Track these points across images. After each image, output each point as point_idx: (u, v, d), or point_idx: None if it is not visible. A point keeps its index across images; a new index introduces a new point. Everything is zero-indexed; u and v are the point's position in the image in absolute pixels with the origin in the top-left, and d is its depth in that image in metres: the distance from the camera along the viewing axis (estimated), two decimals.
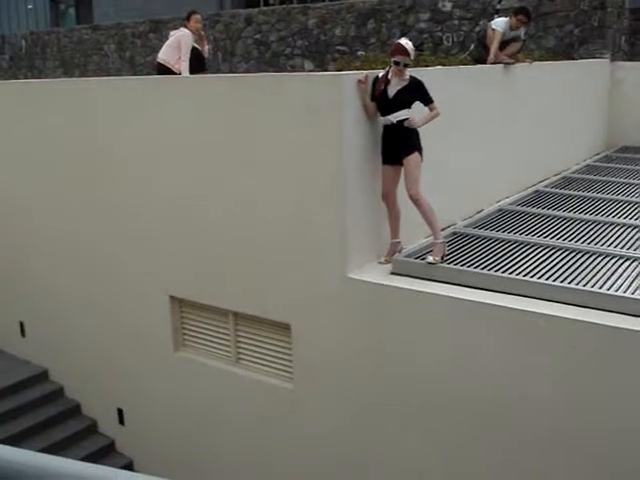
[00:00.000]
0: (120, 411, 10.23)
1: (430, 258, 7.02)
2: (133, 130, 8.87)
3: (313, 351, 7.67)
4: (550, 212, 9.16)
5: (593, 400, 5.98)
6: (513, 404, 6.36)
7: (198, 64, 10.43)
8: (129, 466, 10.10)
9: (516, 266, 7.02)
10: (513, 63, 10.16)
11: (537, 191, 10.46)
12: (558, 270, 6.89)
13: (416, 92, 7.07)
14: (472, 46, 11.91)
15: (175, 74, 10.00)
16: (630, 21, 14.85)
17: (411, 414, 7.07)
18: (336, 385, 7.57)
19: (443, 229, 7.73)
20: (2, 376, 10.90)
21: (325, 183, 7.11)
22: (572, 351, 5.98)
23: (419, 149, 7.04)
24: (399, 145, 7.04)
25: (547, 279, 6.61)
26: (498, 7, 14.02)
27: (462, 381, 6.63)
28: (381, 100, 7.08)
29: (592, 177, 11.47)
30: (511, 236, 8.05)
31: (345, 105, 6.91)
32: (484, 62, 10.18)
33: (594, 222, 8.72)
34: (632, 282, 6.56)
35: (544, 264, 7.09)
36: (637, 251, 7.53)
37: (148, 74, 17.53)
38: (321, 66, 16.75)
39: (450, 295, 6.56)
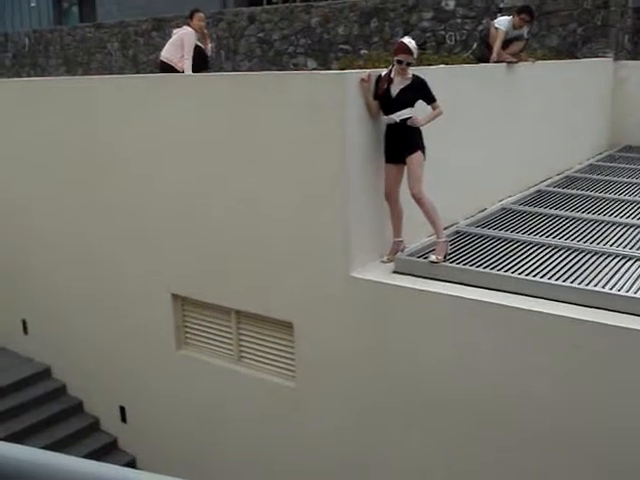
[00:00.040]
0: (122, 409, 10.24)
1: (433, 257, 7.01)
2: (136, 128, 8.88)
3: (315, 350, 7.67)
4: (553, 211, 9.15)
5: (594, 399, 5.98)
6: (515, 403, 6.36)
7: (201, 62, 10.42)
8: (131, 464, 10.10)
9: (519, 265, 7.01)
10: (516, 62, 10.15)
11: (540, 190, 10.44)
12: (561, 269, 6.89)
13: (419, 91, 7.06)
14: (475, 45, 11.89)
15: (178, 72, 9.99)
16: (633, 20, 14.82)
17: (413, 413, 7.08)
18: (338, 384, 7.57)
19: (446, 228, 7.73)
20: (5, 374, 10.92)
21: (328, 182, 7.11)
22: (574, 350, 5.98)
23: (422, 148, 7.04)
24: (402, 144, 7.04)
25: (550, 278, 6.61)
26: (501, 6, 14.01)
27: (464, 380, 6.63)
28: (384, 99, 7.07)
29: (595, 176, 11.45)
30: (514, 235, 8.04)
31: (348, 104, 6.91)
32: (487, 61, 10.18)
33: (597, 221, 8.71)
34: (635, 281, 6.55)
35: (547, 263, 7.08)
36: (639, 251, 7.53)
37: (151, 72, 17.51)
38: (324, 65, 16.74)
39: (452, 294, 6.56)
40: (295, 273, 7.63)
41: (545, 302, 6.26)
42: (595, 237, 8.07)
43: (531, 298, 6.36)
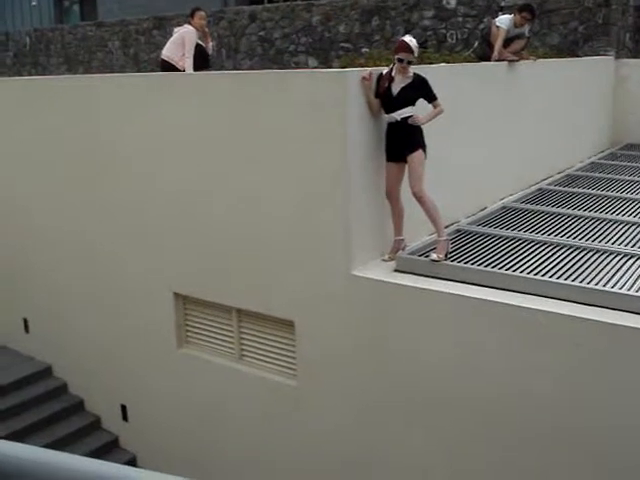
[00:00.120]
0: (124, 407, 10.25)
1: (434, 255, 7.01)
2: (137, 127, 8.88)
3: (317, 348, 7.67)
4: (554, 210, 9.15)
5: (595, 397, 5.98)
6: (516, 401, 6.36)
7: (202, 61, 10.42)
8: (132, 462, 10.11)
9: (520, 264, 7.01)
10: (517, 60, 10.14)
11: (541, 189, 10.44)
12: (562, 268, 6.89)
13: (420, 89, 7.06)
14: (476, 43, 11.89)
15: (179, 71, 9.99)
16: (635, 18, 14.80)
17: (415, 411, 7.08)
18: (340, 382, 7.57)
19: (447, 226, 7.72)
20: (6, 372, 10.93)
21: (329, 180, 7.11)
22: (575, 349, 5.98)
23: (423, 146, 7.04)
24: (403, 142, 7.04)
25: (551, 277, 6.61)
26: (502, 4, 14.00)
27: (466, 378, 6.63)
28: (385, 97, 7.07)
29: (596, 175, 11.44)
30: (515, 234, 8.04)
31: (349, 102, 6.91)
32: (488, 59, 10.17)
33: (598, 220, 8.71)
34: (636, 280, 6.55)
35: (548, 262, 7.08)
36: None
37: (152, 71, 17.52)
38: (325, 63, 16.73)
39: (454, 292, 6.56)
40: (296, 271, 7.63)
41: (546, 300, 6.26)
42: (596, 235, 8.07)
43: (532, 296, 6.36)
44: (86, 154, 9.59)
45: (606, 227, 8.41)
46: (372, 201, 7.29)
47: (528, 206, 9.35)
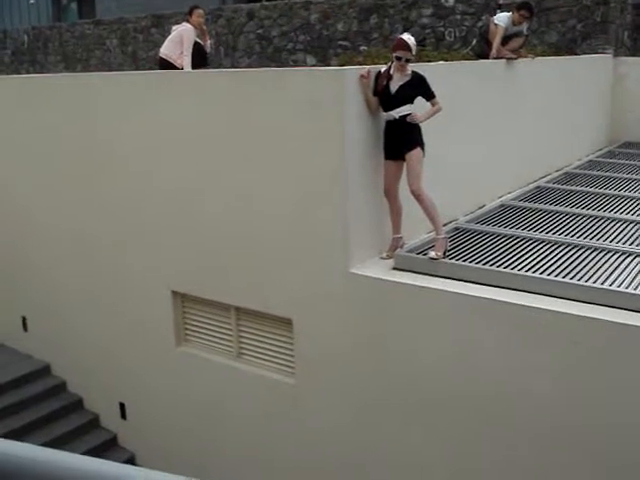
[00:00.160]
0: (122, 405, 10.25)
1: (432, 253, 7.01)
2: (135, 125, 8.87)
3: (315, 346, 7.68)
4: (552, 208, 9.15)
5: (594, 396, 5.98)
6: (515, 400, 6.37)
7: (200, 59, 10.41)
8: (131, 460, 10.12)
9: (518, 262, 7.01)
10: (515, 58, 10.14)
11: (539, 186, 10.44)
12: (560, 266, 6.89)
13: (418, 87, 7.06)
14: (474, 41, 11.89)
15: (177, 69, 9.99)
16: (633, 16, 14.80)
17: (413, 409, 7.08)
18: (338, 380, 7.58)
19: (445, 224, 7.72)
20: (4, 371, 10.93)
21: (327, 178, 7.11)
22: (574, 347, 5.98)
23: (421, 144, 7.04)
24: (401, 140, 7.04)
25: (549, 275, 6.61)
26: (501, 2, 13.99)
27: (464, 377, 6.64)
28: (383, 95, 7.07)
29: (594, 173, 11.45)
30: (513, 231, 8.05)
31: (347, 100, 6.90)
32: (486, 57, 10.17)
33: (596, 218, 8.71)
34: (634, 278, 6.55)
35: (546, 260, 7.08)
36: (639, 247, 7.53)
37: (150, 69, 17.51)
38: (323, 61, 16.72)
39: (452, 290, 6.57)
40: (294, 270, 7.63)
41: (544, 298, 6.26)
42: (595, 233, 8.07)
43: (530, 294, 6.36)
44: (84, 152, 9.59)
45: (604, 225, 8.42)
46: (370, 199, 7.29)
47: (526, 204, 9.35)
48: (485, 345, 6.45)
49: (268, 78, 7.71)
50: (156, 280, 9.11)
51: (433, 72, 7.48)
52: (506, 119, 9.95)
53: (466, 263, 6.94)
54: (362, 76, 7.00)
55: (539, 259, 7.10)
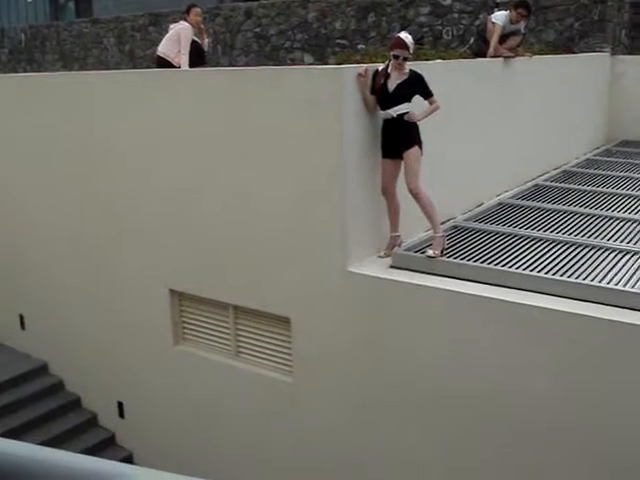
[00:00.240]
0: (120, 404, 10.25)
1: (430, 252, 7.02)
2: (132, 123, 8.86)
3: (313, 345, 7.68)
4: (550, 206, 9.16)
5: (592, 395, 5.98)
6: (511, 398, 6.37)
7: (198, 57, 10.41)
8: (129, 459, 10.12)
9: (516, 260, 7.02)
10: (513, 57, 10.14)
11: (537, 185, 10.45)
12: (558, 264, 6.90)
13: (416, 86, 7.06)
14: (472, 40, 11.89)
15: (175, 67, 9.98)
16: (630, 15, 14.80)
17: (410, 408, 7.08)
18: (336, 379, 7.58)
19: (443, 223, 7.73)
20: (2, 369, 10.91)
21: (325, 177, 7.11)
22: (571, 345, 5.98)
23: (419, 143, 7.04)
24: (399, 139, 7.04)
25: (547, 273, 6.62)
26: (498, 0, 14.00)
27: (462, 375, 6.64)
28: (381, 94, 7.07)
29: (592, 171, 11.46)
30: (511, 230, 8.05)
31: (345, 98, 6.90)
32: (484, 56, 10.16)
33: (594, 216, 8.72)
34: (632, 276, 6.56)
35: (544, 258, 7.09)
36: (637, 245, 7.53)
37: (148, 67, 17.48)
38: (321, 60, 16.71)
39: (450, 289, 6.57)
40: (292, 268, 7.63)
41: (542, 296, 6.27)
42: (592, 231, 8.08)
43: (528, 292, 6.36)
44: (81, 151, 9.58)
45: (602, 223, 8.43)
46: (368, 197, 7.29)
47: (524, 202, 9.36)
48: (482, 343, 6.45)
49: (266, 77, 7.70)
50: (154, 279, 9.11)
51: (431, 71, 7.47)
52: (504, 117, 9.96)
53: (464, 261, 6.95)
54: (360, 74, 7.00)
55: (537, 257, 7.11)
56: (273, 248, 7.74)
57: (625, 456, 5.90)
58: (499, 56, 10.01)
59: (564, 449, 6.19)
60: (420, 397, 6.97)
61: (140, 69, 17.46)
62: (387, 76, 7.04)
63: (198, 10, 10.49)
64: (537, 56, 11.36)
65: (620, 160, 12.29)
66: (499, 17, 10.22)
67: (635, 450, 5.83)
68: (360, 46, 16.05)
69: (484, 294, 6.39)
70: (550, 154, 11.55)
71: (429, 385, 6.89)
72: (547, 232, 8.00)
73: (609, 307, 6.00)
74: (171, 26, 10.66)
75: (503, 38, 10.17)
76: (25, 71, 23.72)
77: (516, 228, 8.15)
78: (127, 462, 9.55)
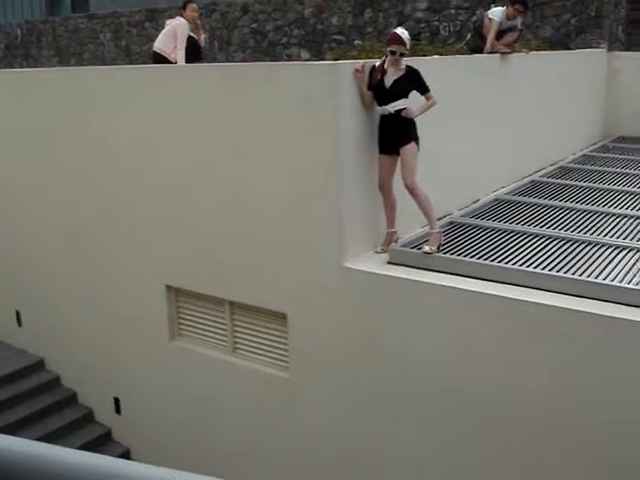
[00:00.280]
0: (117, 400, 10.25)
1: (426, 248, 7.02)
2: (128, 119, 8.85)
3: (309, 341, 7.68)
4: (547, 202, 9.16)
5: (589, 391, 5.99)
6: (509, 394, 6.38)
7: (194, 53, 10.39)
8: (126, 455, 10.11)
9: (512, 256, 7.02)
10: (510, 53, 10.14)
11: (533, 181, 10.46)
12: (554, 260, 6.90)
13: (413, 81, 7.05)
14: (469, 35, 11.88)
15: (171, 63, 9.96)
16: (627, 11, 14.81)
17: (407, 404, 7.09)
18: (332, 375, 7.58)
19: (439, 219, 7.72)
20: None
21: (321, 172, 7.10)
22: (568, 341, 5.99)
23: (416, 139, 7.03)
24: (396, 135, 7.03)
25: (543, 269, 6.62)
26: None
27: (458, 371, 6.64)
28: (378, 90, 7.06)
29: (589, 167, 11.47)
30: (507, 226, 8.05)
31: (342, 94, 6.90)
32: (481, 52, 10.17)
33: (591, 212, 8.72)
34: (628, 272, 6.57)
35: (540, 254, 7.09)
36: (633, 241, 7.54)
37: (144, 63, 17.45)
38: (318, 55, 16.70)
39: (446, 285, 6.57)
40: (289, 264, 7.63)
41: (538, 292, 6.27)
42: (589, 227, 8.09)
43: (524, 288, 6.37)
44: (78, 146, 9.56)
45: (599, 219, 8.43)
46: (365, 194, 7.29)
47: (521, 198, 9.36)
48: (479, 339, 6.45)
49: (262, 72, 7.69)
50: (150, 274, 9.10)
51: (427, 66, 7.47)
52: (500, 113, 9.96)
53: (460, 257, 6.95)
54: (357, 70, 6.99)
55: (533, 253, 7.11)
56: (269, 244, 7.73)
57: (622, 452, 5.92)
58: (496, 52, 10.00)
59: (562, 445, 6.19)
60: (416, 393, 6.98)
61: (136, 65, 17.43)
62: (384, 72, 7.04)
63: (194, 6, 10.47)
64: (534, 52, 11.36)
65: (617, 156, 12.30)
66: (496, 13, 10.22)
67: (632, 446, 5.85)
68: (357, 42, 16.04)
69: (481, 290, 6.39)
70: (547, 150, 11.56)
71: (425, 381, 6.90)
72: (544, 228, 8.00)
73: (606, 303, 6.00)
74: (167, 22, 10.63)
75: (500, 34, 10.17)
76: (21, 66, 23.68)
77: (512, 224, 8.15)
78: (124, 458, 9.54)
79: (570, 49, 13.36)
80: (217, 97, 7.84)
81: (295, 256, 7.55)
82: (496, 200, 9.27)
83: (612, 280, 6.34)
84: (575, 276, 6.42)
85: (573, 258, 6.97)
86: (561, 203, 9.10)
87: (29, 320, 11.40)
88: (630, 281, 6.31)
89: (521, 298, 6.17)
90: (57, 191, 10.09)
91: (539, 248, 7.29)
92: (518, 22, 10.44)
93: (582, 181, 10.43)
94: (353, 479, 7.75)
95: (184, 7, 10.40)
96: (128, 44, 21.03)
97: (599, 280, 6.33)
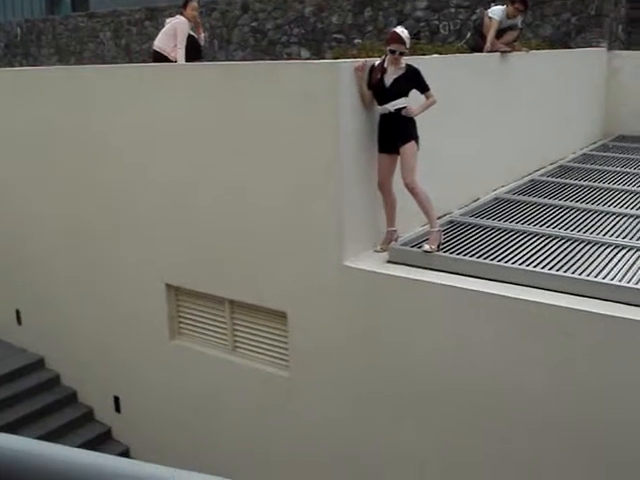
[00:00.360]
0: (116, 399, 10.25)
1: (426, 246, 7.02)
2: (128, 118, 8.85)
3: (309, 339, 7.68)
4: (546, 201, 9.16)
5: (590, 389, 5.99)
6: (508, 393, 6.38)
7: (194, 52, 10.39)
8: (125, 453, 10.12)
9: (512, 255, 7.02)
10: (510, 51, 10.14)
11: (533, 180, 10.45)
12: (554, 259, 6.90)
13: (413, 80, 7.05)
14: (469, 34, 11.88)
15: (171, 62, 9.96)
16: (627, 10, 14.81)
17: (407, 402, 7.09)
18: (332, 373, 7.58)
19: (439, 217, 7.72)
20: None
21: (321, 171, 7.10)
22: (567, 340, 5.99)
23: (416, 138, 7.03)
24: (396, 134, 7.03)
25: (543, 268, 6.62)
26: None
27: (458, 370, 6.65)
28: (378, 89, 7.06)
29: (588, 166, 11.47)
30: (507, 225, 8.05)
31: (341, 93, 6.90)
32: (481, 50, 10.16)
33: (590, 211, 8.73)
34: (628, 271, 6.57)
35: (540, 253, 7.09)
36: (633, 240, 7.54)
37: (144, 62, 17.46)
38: (317, 54, 16.69)
39: (446, 284, 6.57)
40: (289, 263, 7.63)
41: (538, 291, 6.27)
42: (589, 226, 8.09)
43: (524, 287, 6.37)
44: (78, 145, 9.56)
45: (598, 218, 8.43)
46: (364, 192, 7.29)
47: (520, 197, 9.36)
48: (479, 338, 6.46)
49: (262, 71, 7.70)
50: (150, 273, 9.10)
51: (427, 65, 7.47)
52: (500, 112, 9.95)
53: (460, 256, 6.95)
54: (357, 69, 6.99)
55: (533, 252, 7.11)
56: (269, 242, 7.74)
57: (622, 451, 5.92)
58: (496, 51, 10.00)
59: (561, 444, 6.20)
60: (416, 391, 6.99)
61: (136, 63, 17.43)
62: (383, 71, 7.03)
63: (195, 4, 10.46)
64: (534, 51, 11.35)
65: (617, 155, 12.30)
66: (496, 12, 10.21)
67: (631, 445, 5.85)
68: (357, 40, 16.03)
69: (481, 289, 6.39)
70: (547, 149, 11.56)
71: (425, 379, 6.90)
72: (543, 227, 8.00)
73: (606, 302, 6.00)
74: (167, 20, 10.62)
75: (500, 33, 10.16)
76: (21, 65, 23.67)
77: (512, 223, 8.15)
78: (124, 456, 9.55)
79: (570, 48, 13.35)
80: (217, 96, 7.85)
81: (295, 255, 7.55)
82: (496, 199, 9.28)
83: (612, 279, 6.34)
84: (575, 275, 6.42)
85: (573, 257, 6.97)
86: (561, 202, 9.10)
87: (29, 319, 11.40)
88: (630, 280, 6.31)
89: (521, 297, 6.18)
90: (57, 189, 10.09)
91: (539, 247, 7.29)
92: (518, 21, 10.44)
93: (582, 180, 10.43)
94: (353, 477, 7.75)
95: (184, 6, 10.39)
96: (128, 43, 21.02)
97: (599, 279, 6.33)
